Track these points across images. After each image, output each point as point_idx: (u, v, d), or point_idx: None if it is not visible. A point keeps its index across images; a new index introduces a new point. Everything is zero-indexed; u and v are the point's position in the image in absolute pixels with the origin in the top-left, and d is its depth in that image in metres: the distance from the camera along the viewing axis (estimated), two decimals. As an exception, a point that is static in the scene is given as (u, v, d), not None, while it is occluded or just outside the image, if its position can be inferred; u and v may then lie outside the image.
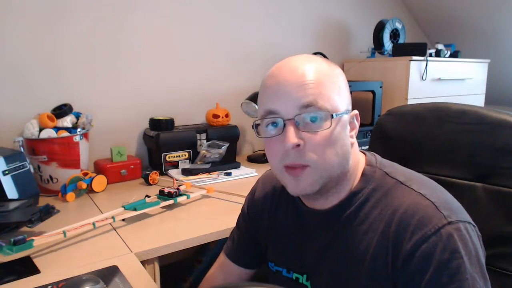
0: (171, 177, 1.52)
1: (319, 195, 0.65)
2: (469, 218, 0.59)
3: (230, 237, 0.88)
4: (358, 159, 0.68)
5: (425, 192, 0.60)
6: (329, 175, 0.62)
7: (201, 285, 0.89)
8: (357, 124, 0.68)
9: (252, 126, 0.66)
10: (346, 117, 0.64)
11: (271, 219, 0.78)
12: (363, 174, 0.67)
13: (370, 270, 0.61)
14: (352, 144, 0.66)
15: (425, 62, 2.01)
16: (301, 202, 0.72)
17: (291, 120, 0.60)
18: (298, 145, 0.59)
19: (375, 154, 0.71)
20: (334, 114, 0.60)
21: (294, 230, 0.74)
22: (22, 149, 1.33)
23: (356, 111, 0.67)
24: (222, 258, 0.87)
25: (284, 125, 0.60)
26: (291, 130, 0.59)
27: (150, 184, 1.48)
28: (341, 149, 0.62)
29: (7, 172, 1.14)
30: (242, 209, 0.87)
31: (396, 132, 0.92)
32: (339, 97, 0.62)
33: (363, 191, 0.65)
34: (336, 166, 0.62)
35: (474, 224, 0.60)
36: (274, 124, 0.62)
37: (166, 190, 1.26)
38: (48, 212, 1.05)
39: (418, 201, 0.59)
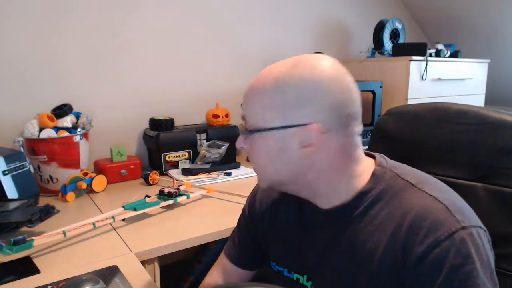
0: (171, 177, 1.52)
1: (314, 196, 0.67)
2: (480, 223, 0.59)
3: (231, 238, 0.88)
4: (331, 172, 0.64)
5: (437, 195, 0.59)
6: (271, 182, 0.68)
7: (201, 286, 0.89)
8: (315, 140, 0.60)
9: None
10: (279, 133, 0.61)
11: (272, 219, 0.78)
12: (373, 174, 0.66)
13: (375, 271, 0.60)
14: (306, 159, 0.62)
15: (425, 62, 2.01)
16: (306, 201, 0.71)
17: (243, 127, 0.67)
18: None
19: (385, 156, 0.70)
20: (255, 130, 0.63)
21: (296, 230, 0.73)
22: (22, 149, 1.32)
23: (313, 124, 0.60)
24: (222, 259, 0.87)
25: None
26: (240, 135, 0.68)
27: (150, 184, 1.48)
28: (274, 164, 0.64)
29: (7, 172, 1.14)
30: (243, 209, 0.87)
31: (396, 132, 0.91)
32: (272, 112, 0.61)
33: (372, 192, 0.64)
34: (275, 178, 0.66)
35: (485, 229, 0.59)
36: None
37: (166, 190, 1.26)
38: (48, 212, 1.05)
39: (430, 204, 0.58)
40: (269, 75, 0.63)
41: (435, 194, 0.60)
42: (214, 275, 0.87)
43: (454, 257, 0.54)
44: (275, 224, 0.77)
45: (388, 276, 0.59)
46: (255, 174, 0.70)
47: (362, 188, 0.65)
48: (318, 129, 0.60)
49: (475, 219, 0.59)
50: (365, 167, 0.66)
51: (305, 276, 0.71)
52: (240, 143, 0.68)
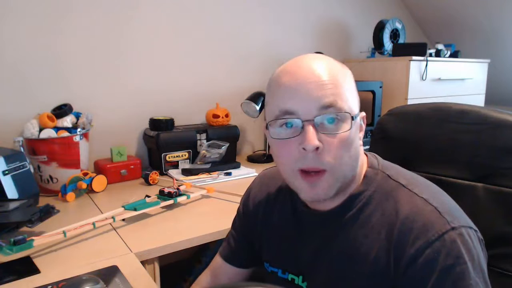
0: (171, 177, 1.52)
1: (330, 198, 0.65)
2: (470, 223, 0.59)
3: (226, 239, 0.88)
4: (362, 161, 0.67)
5: (428, 197, 0.60)
6: (343, 179, 0.61)
7: (194, 286, 0.88)
8: (364, 126, 0.66)
9: (266, 126, 0.63)
10: (359, 119, 0.63)
11: (266, 219, 0.78)
12: (365, 176, 0.66)
13: (369, 274, 0.60)
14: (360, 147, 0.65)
15: (425, 62, 2.01)
16: (300, 202, 0.71)
17: (310, 121, 0.57)
18: (317, 148, 0.57)
19: (377, 155, 0.70)
20: (354, 116, 0.59)
21: (290, 231, 0.73)
22: (22, 149, 1.33)
23: (363, 113, 0.66)
24: (216, 258, 0.87)
25: (303, 126, 0.57)
26: (311, 132, 0.56)
27: (150, 184, 1.48)
28: (355, 152, 0.61)
29: (7, 172, 1.14)
30: (238, 209, 0.87)
31: (397, 132, 0.91)
32: (353, 98, 0.62)
33: (364, 194, 0.64)
34: (350, 170, 0.61)
35: (476, 229, 0.59)
36: (289, 124, 0.59)
37: (166, 190, 1.25)
38: (48, 212, 1.05)
39: (421, 206, 0.59)
40: (330, 62, 0.62)
41: (425, 196, 0.60)
42: (207, 274, 0.87)
43: (445, 258, 0.54)
44: (269, 224, 0.77)
45: (382, 278, 0.59)
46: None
47: (354, 191, 0.65)
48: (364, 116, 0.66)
49: (465, 220, 0.59)
50: (360, 168, 0.66)
51: (301, 277, 0.71)
52: (314, 139, 0.57)
